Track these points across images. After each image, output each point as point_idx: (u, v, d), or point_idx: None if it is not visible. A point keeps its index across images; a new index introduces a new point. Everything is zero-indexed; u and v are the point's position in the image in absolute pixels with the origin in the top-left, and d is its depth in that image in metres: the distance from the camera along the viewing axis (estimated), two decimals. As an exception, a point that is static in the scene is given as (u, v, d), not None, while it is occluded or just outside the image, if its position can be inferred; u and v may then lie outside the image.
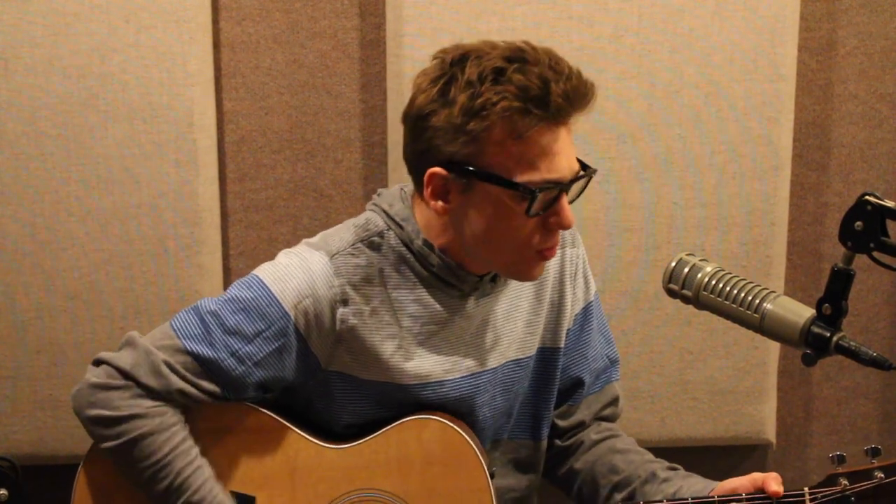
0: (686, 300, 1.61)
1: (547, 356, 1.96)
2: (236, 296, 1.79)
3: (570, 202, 1.73)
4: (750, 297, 1.55)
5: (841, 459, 1.69)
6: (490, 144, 1.66)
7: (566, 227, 1.73)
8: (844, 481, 1.68)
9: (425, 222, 1.80)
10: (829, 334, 1.50)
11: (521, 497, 2.01)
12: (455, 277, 1.81)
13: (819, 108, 2.62)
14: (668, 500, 1.79)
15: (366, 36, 2.51)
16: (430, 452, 1.83)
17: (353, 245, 1.81)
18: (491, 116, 1.64)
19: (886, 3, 2.58)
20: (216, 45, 2.48)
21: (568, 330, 1.98)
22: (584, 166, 1.74)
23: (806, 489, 1.71)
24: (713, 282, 1.58)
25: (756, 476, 1.74)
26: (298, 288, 1.77)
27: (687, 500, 1.77)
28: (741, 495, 1.73)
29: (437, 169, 1.70)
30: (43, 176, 2.40)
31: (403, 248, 1.81)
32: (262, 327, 1.77)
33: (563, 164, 1.69)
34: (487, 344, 1.88)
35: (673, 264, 1.62)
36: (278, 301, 1.77)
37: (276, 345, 1.78)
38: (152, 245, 2.43)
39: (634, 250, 2.51)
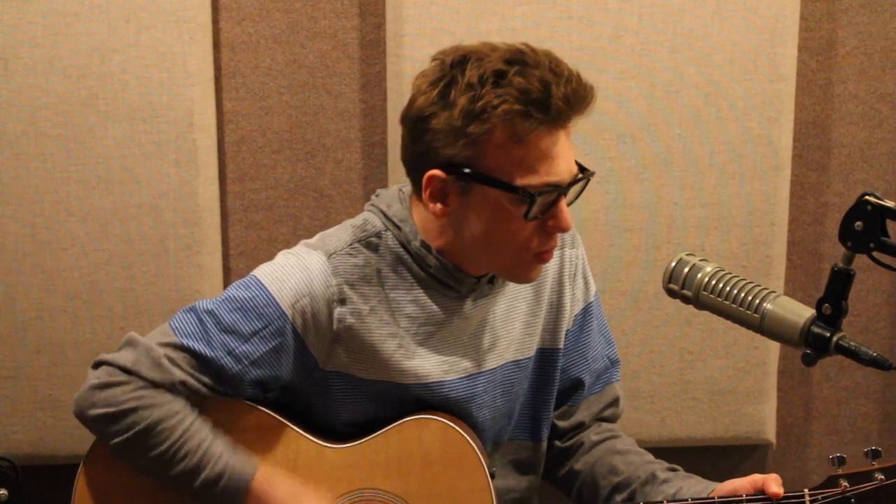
0: (686, 300, 1.61)
1: (546, 357, 1.96)
2: (233, 295, 1.80)
3: (569, 204, 1.73)
4: (750, 297, 1.55)
5: (841, 461, 1.68)
6: (490, 147, 1.66)
7: (564, 230, 1.73)
8: (845, 483, 1.68)
9: (423, 223, 1.80)
10: (829, 334, 1.50)
11: (521, 498, 2.01)
12: (452, 279, 1.81)
13: (819, 108, 2.62)
14: (668, 501, 1.79)
15: (366, 36, 2.51)
16: (430, 452, 1.83)
17: (350, 245, 1.81)
18: (492, 119, 1.64)
19: (886, 3, 2.58)
20: (216, 45, 2.48)
21: (567, 331, 1.97)
22: (581, 169, 1.74)
23: (806, 491, 1.71)
24: (713, 282, 1.58)
25: (756, 477, 1.74)
26: (296, 287, 1.77)
27: (687, 500, 1.77)
28: (741, 496, 1.73)
29: (435, 171, 1.70)
30: (43, 176, 2.40)
31: (401, 249, 1.81)
32: (259, 326, 1.77)
33: (562, 167, 1.69)
34: (485, 345, 1.88)
35: (673, 264, 1.62)
36: (275, 300, 1.77)
37: (273, 344, 1.78)
38: (152, 245, 2.43)
39: (634, 250, 2.51)
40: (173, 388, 1.78)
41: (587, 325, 2.00)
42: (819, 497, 1.69)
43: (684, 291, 1.60)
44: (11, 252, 2.42)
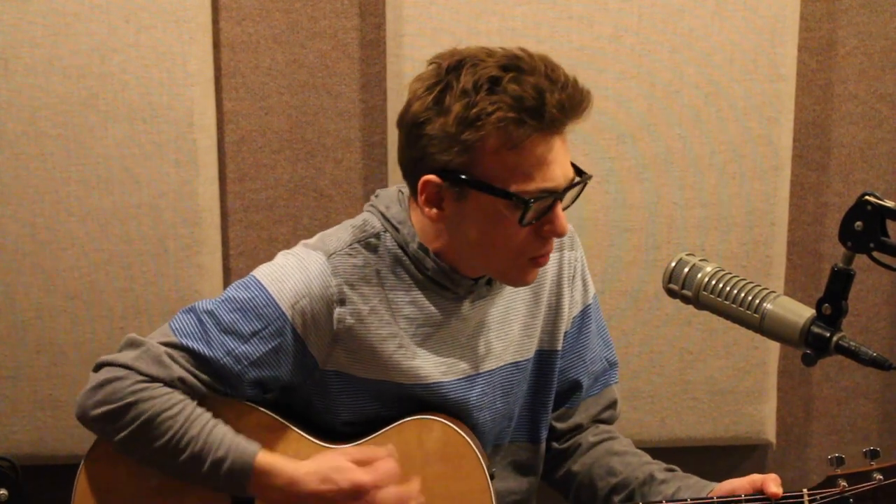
0: (686, 300, 1.61)
1: (544, 359, 1.96)
2: (233, 296, 1.79)
3: (565, 208, 1.73)
4: (750, 297, 1.55)
5: (840, 461, 1.69)
6: (484, 154, 1.66)
7: (560, 235, 1.73)
8: (843, 483, 1.68)
9: (421, 226, 1.80)
10: (829, 334, 1.50)
11: (520, 500, 2.01)
12: (450, 281, 1.81)
13: (819, 108, 2.62)
14: (666, 502, 1.79)
15: (366, 36, 2.51)
16: (430, 453, 1.83)
17: (350, 245, 1.81)
18: (485, 126, 1.64)
19: (886, 3, 2.58)
20: (216, 45, 2.48)
21: (565, 332, 1.97)
22: (578, 172, 1.74)
23: (805, 491, 1.71)
24: (713, 282, 1.58)
25: (755, 477, 1.74)
26: (295, 288, 1.77)
27: (686, 500, 1.77)
28: (740, 496, 1.73)
29: (431, 177, 1.70)
30: (43, 176, 2.40)
31: (399, 251, 1.81)
32: (259, 327, 1.77)
33: (557, 172, 1.68)
34: (484, 347, 1.88)
35: (673, 264, 1.62)
36: (275, 301, 1.77)
37: (273, 344, 1.78)
38: (152, 245, 2.43)
39: (634, 250, 2.51)
40: (173, 383, 1.77)
41: (585, 327, 2.00)
42: (818, 497, 1.69)
43: (684, 291, 1.60)
44: (11, 252, 2.42)
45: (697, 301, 1.59)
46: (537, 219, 1.69)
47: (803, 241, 2.67)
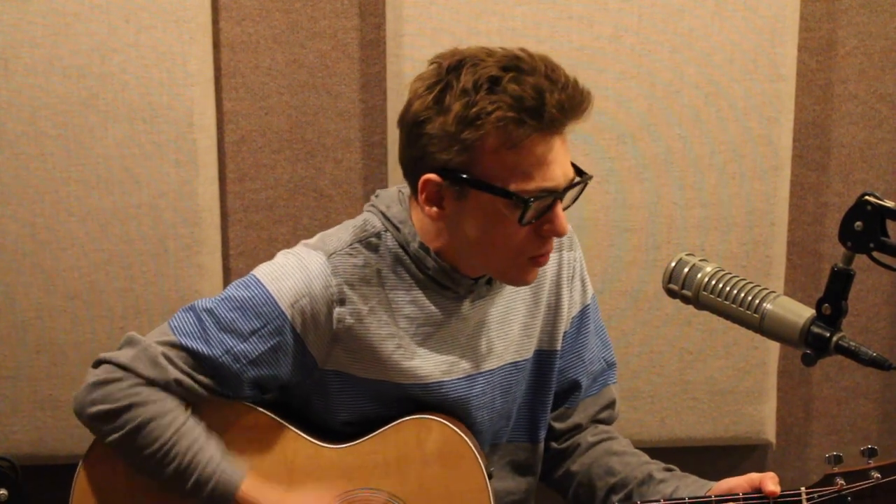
0: (686, 300, 1.61)
1: (543, 359, 1.96)
2: (233, 294, 1.80)
3: (565, 208, 1.73)
4: (750, 297, 1.55)
5: (837, 459, 1.69)
6: (484, 153, 1.66)
7: (560, 234, 1.73)
8: (841, 481, 1.68)
9: (421, 225, 1.80)
10: (828, 334, 1.50)
11: (519, 500, 2.01)
12: (450, 280, 1.81)
13: (819, 108, 2.62)
14: (665, 500, 1.79)
15: (366, 36, 2.51)
16: (428, 452, 1.83)
17: (350, 245, 1.81)
18: (485, 126, 1.64)
19: (886, 3, 2.58)
20: (216, 45, 2.48)
21: (565, 333, 1.97)
22: (579, 172, 1.74)
23: (803, 489, 1.71)
24: (713, 282, 1.58)
25: (753, 476, 1.74)
26: (295, 287, 1.77)
27: (684, 499, 1.77)
28: (738, 495, 1.73)
29: (431, 176, 1.70)
30: (43, 176, 2.40)
31: (400, 250, 1.81)
32: (258, 326, 1.77)
33: (557, 172, 1.69)
34: (484, 346, 1.88)
35: (673, 264, 1.62)
36: (275, 300, 1.77)
37: (272, 343, 1.78)
38: (152, 245, 2.43)
39: (634, 250, 2.51)
40: (168, 386, 1.78)
41: (584, 328, 2.00)
42: (815, 495, 1.70)
43: (684, 291, 1.60)
44: (11, 252, 2.42)
45: (697, 301, 1.59)
46: (537, 218, 1.70)
47: (803, 241, 2.67)
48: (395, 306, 1.82)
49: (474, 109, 1.64)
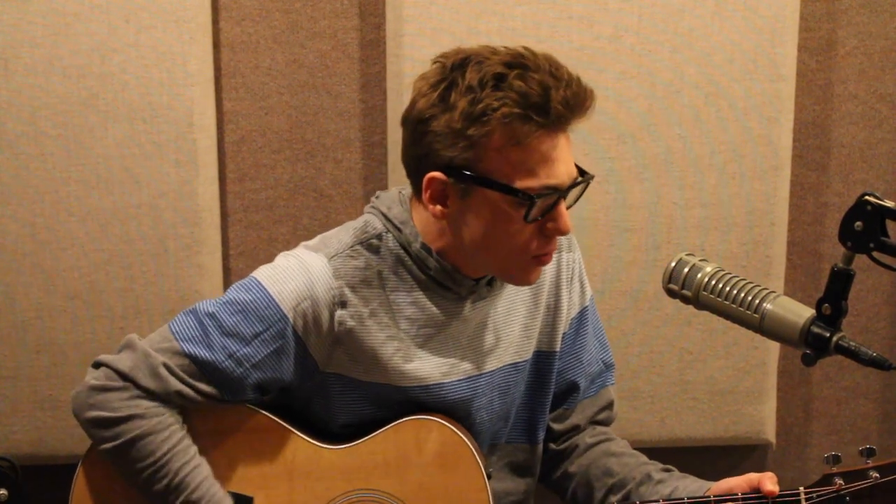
0: (686, 300, 1.61)
1: (543, 360, 1.96)
2: (234, 298, 1.79)
3: (568, 207, 1.73)
4: (750, 297, 1.55)
5: (836, 459, 1.69)
6: (489, 150, 1.66)
7: (563, 232, 1.73)
8: (840, 481, 1.68)
9: (423, 226, 1.80)
10: (828, 334, 1.50)
11: (518, 501, 2.01)
12: (451, 281, 1.81)
13: (819, 108, 2.62)
14: (664, 501, 1.79)
15: (366, 36, 2.51)
16: (427, 453, 1.83)
17: (351, 247, 1.81)
18: (491, 122, 1.64)
19: (886, 3, 2.58)
20: (216, 45, 2.48)
21: (564, 334, 1.97)
22: (581, 172, 1.74)
23: (801, 489, 1.71)
24: (713, 282, 1.58)
25: (752, 476, 1.74)
26: (297, 290, 1.77)
27: (683, 500, 1.77)
28: (737, 495, 1.73)
29: (436, 173, 1.70)
30: (43, 176, 2.40)
31: (401, 251, 1.81)
32: (260, 329, 1.77)
33: (561, 170, 1.69)
34: (485, 347, 1.88)
35: (673, 264, 1.62)
36: (276, 303, 1.77)
37: (274, 346, 1.78)
38: (152, 245, 2.43)
39: (634, 250, 2.51)
40: (168, 398, 1.78)
41: (583, 329, 2.00)
42: (814, 495, 1.70)
43: (684, 291, 1.60)
44: (11, 252, 2.42)
45: (697, 301, 1.59)
46: (542, 216, 1.70)
47: (803, 241, 2.67)
48: (396, 308, 1.82)
49: (480, 106, 1.64)
